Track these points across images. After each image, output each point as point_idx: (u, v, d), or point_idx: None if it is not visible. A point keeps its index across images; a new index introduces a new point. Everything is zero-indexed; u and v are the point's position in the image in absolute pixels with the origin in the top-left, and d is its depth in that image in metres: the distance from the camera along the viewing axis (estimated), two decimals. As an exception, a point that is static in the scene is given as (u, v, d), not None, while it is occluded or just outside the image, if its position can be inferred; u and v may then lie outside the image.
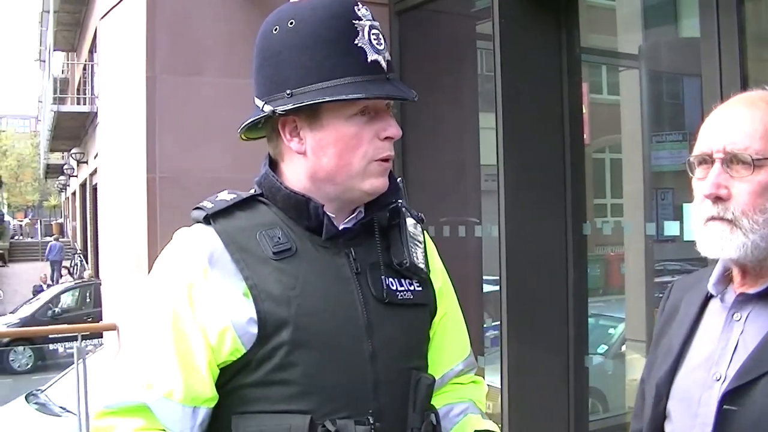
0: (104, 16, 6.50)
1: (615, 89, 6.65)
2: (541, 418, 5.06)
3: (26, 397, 11.65)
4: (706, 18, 4.12)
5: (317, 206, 2.01)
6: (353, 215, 2.10)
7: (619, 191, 6.41)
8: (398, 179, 2.16)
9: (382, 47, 1.99)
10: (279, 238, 2.00)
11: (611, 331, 6.68)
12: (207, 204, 2.06)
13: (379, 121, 2.01)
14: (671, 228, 4.70)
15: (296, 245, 2.00)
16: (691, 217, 1.99)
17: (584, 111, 5.48)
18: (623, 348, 6.55)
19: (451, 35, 6.45)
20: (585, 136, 5.55)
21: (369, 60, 1.97)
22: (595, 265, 6.19)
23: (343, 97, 1.94)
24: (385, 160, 2.03)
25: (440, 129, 6.17)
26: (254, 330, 1.92)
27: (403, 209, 2.16)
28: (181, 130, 5.53)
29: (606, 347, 6.63)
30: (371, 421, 1.94)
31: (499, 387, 5.00)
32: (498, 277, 5.05)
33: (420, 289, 2.12)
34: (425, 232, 2.23)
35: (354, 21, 1.97)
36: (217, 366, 1.94)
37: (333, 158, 2.00)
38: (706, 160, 1.92)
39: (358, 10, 1.98)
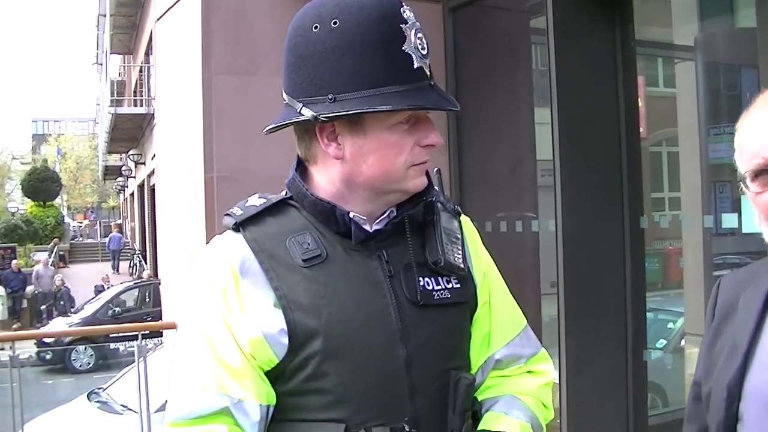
0: (160, 18, 6.57)
1: (671, 82, 6.59)
2: (600, 412, 5.04)
3: (88, 396, 11.80)
4: (762, 7, 4.08)
5: (343, 213, 1.97)
6: (384, 215, 2.04)
7: (676, 185, 6.35)
8: (435, 170, 2.12)
9: (426, 52, 1.92)
10: (308, 244, 1.96)
11: (670, 325, 6.63)
12: (236, 210, 2.04)
13: (421, 129, 1.95)
14: (730, 221, 4.66)
15: (326, 251, 1.96)
16: (765, 234, 1.88)
17: (640, 104, 5.44)
18: (682, 342, 6.50)
19: (505, 31, 6.44)
20: (641, 130, 5.50)
21: (415, 67, 1.90)
22: (654, 259, 6.14)
23: (389, 108, 1.88)
24: (421, 164, 1.98)
25: (496, 125, 6.16)
26: (285, 341, 1.90)
27: (438, 204, 2.10)
28: (238, 130, 5.57)
29: (665, 342, 6.58)
30: (407, 428, 1.91)
31: (557, 382, 4.98)
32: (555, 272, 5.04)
33: (458, 286, 2.05)
34: (460, 219, 2.16)
35: (401, 24, 1.90)
36: None
37: (373, 165, 1.96)
38: (765, 170, 1.81)
39: (404, 12, 1.91)
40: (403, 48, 1.89)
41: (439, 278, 2.03)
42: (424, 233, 2.06)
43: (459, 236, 2.10)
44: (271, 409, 1.93)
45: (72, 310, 27.50)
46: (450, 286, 2.04)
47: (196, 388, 1.92)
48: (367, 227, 2.01)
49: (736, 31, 5.82)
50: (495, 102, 6.17)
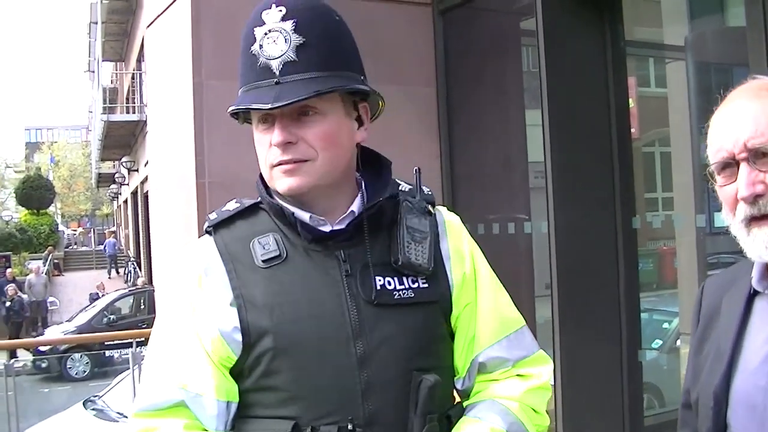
0: (150, 24, 6.55)
1: (663, 82, 6.59)
2: (595, 413, 5.04)
3: (84, 404, 11.77)
4: (752, 6, 4.08)
5: (291, 213, 2.04)
6: (345, 215, 2.08)
7: (669, 184, 6.35)
8: (415, 168, 2.15)
9: (275, 49, 1.97)
10: (269, 245, 2.03)
11: (666, 325, 6.63)
12: (212, 215, 2.14)
13: (275, 128, 2.00)
14: (722, 220, 4.66)
15: (287, 251, 2.03)
16: (729, 225, 1.91)
17: (632, 105, 5.44)
18: (678, 342, 6.50)
19: (495, 33, 6.44)
20: (634, 130, 5.50)
21: (258, 66, 1.98)
22: (648, 259, 6.14)
23: (228, 109, 2.04)
24: (280, 164, 2.01)
25: (487, 127, 6.15)
26: (239, 338, 1.99)
27: (405, 202, 2.11)
28: (230, 135, 5.53)
29: (660, 342, 6.58)
30: (351, 428, 1.93)
31: (552, 383, 4.97)
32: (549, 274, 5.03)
33: (425, 286, 2.06)
34: (434, 217, 2.17)
35: (255, 27, 1.99)
36: None
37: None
38: (729, 163, 1.84)
39: (267, 13, 1.99)
40: (251, 49, 1.99)
41: (404, 278, 2.05)
42: (391, 232, 2.07)
43: (427, 235, 2.09)
44: (233, 406, 2.01)
45: (26, 316, 27.46)
46: (416, 285, 2.05)
47: (157, 381, 2.03)
48: (326, 227, 2.05)
49: (726, 30, 5.82)
50: (486, 104, 6.17)
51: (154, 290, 8.43)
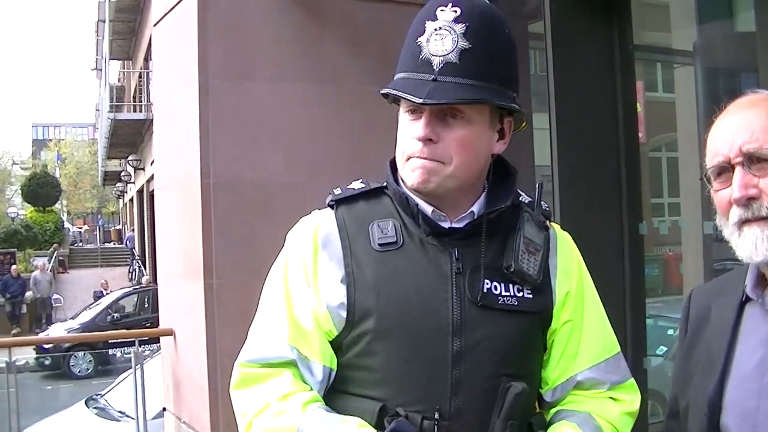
0: (157, 23, 6.53)
1: (670, 86, 6.57)
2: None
3: (86, 402, 11.78)
4: (762, 11, 4.06)
5: (416, 203, 2.09)
6: (466, 214, 2.12)
7: (676, 190, 6.33)
8: (538, 183, 2.22)
9: (440, 47, 2.00)
10: (388, 230, 2.10)
11: (671, 332, 6.61)
12: (336, 190, 2.21)
13: (421, 121, 2.03)
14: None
15: (404, 239, 2.09)
16: (723, 230, 1.95)
17: (640, 109, 5.42)
18: (683, 349, 6.46)
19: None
20: (641, 135, 5.48)
21: (420, 58, 2.01)
22: (654, 264, 6.12)
23: (382, 89, 2.08)
24: (416, 158, 2.05)
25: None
26: (344, 315, 2.06)
27: (525, 213, 2.15)
28: (235, 135, 5.53)
29: (665, 348, 6.55)
30: (437, 418, 1.96)
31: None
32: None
33: (530, 296, 2.10)
34: (554, 234, 2.22)
35: (427, 20, 2.03)
36: None
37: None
38: (725, 168, 1.89)
39: (442, 11, 2.02)
40: (417, 40, 2.04)
41: (510, 285, 2.09)
42: (507, 239, 2.11)
43: (540, 248, 2.13)
44: (333, 374, 2.08)
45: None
46: (521, 294, 2.10)
47: (270, 337, 2.12)
48: (446, 223, 2.10)
49: (736, 35, 5.80)
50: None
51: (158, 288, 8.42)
